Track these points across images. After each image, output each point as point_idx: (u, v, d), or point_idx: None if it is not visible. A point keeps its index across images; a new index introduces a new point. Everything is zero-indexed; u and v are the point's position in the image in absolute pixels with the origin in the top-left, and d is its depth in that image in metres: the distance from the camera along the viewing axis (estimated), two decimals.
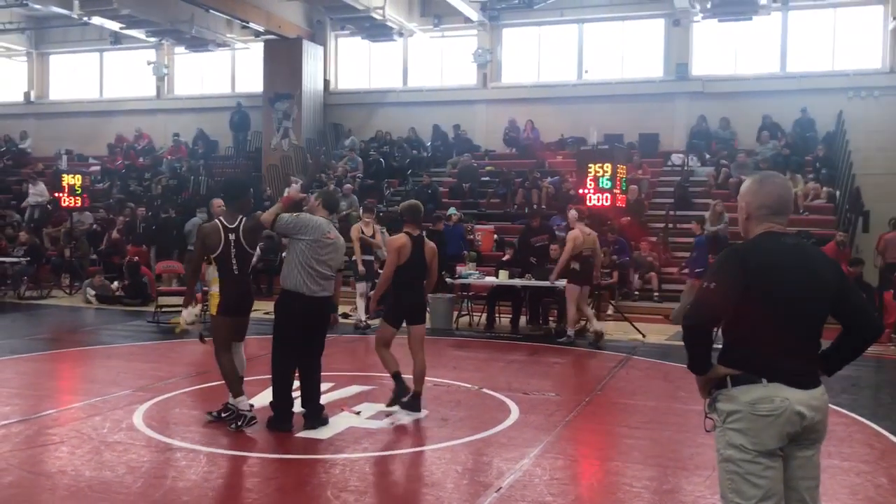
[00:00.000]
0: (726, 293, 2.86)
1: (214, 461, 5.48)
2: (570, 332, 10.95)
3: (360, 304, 11.98)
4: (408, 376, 6.86)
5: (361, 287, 11.92)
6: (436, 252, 6.91)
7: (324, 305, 6.29)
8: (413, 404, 6.75)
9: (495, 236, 15.92)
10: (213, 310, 6.31)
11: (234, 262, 6.18)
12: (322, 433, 6.11)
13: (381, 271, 11.32)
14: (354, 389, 7.66)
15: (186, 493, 4.83)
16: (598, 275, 11.45)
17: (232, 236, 6.15)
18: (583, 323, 11.55)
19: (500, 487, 4.97)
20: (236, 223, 6.20)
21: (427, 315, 7.32)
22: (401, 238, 6.73)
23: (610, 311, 13.16)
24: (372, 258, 11.89)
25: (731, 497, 2.91)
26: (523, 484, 5.05)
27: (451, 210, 16.16)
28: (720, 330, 3.02)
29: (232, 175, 19.06)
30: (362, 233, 11.68)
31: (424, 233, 7.02)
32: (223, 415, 6.32)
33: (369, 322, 11.70)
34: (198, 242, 6.34)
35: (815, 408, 2.97)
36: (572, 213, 11.22)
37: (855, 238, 14.97)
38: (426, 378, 6.94)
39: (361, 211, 12.39)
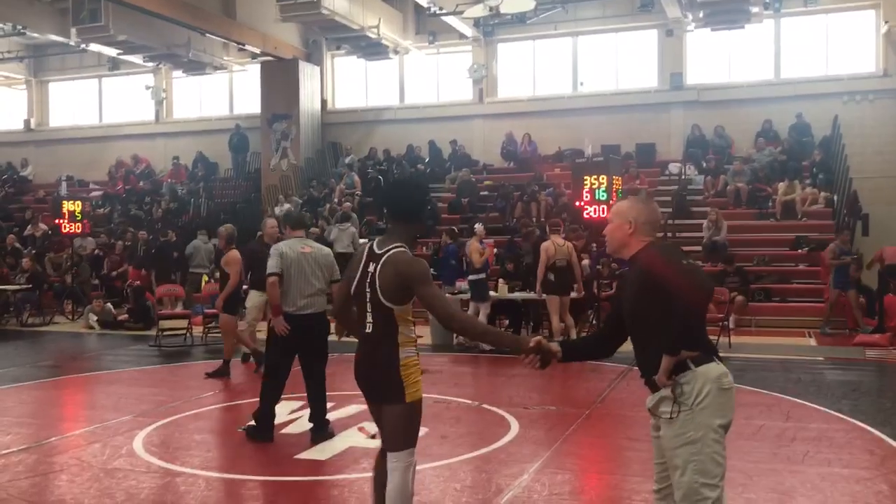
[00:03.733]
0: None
1: (213, 485, 5.49)
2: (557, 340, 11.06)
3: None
4: None
5: (487, 307, 11.58)
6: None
7: (312, 323, 6.50)
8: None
9: (495, 250, 15.93)
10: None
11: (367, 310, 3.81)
12: (322, 454, 6.12)
13: (492, 292, 11.88)
14: (353, 409, 7.67)
15: None
16: (580, 286, 11.58)
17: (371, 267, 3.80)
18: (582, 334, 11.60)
19: None
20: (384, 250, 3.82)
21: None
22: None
23: None
24: (483, 276, 11.74)
25: (696, 479, 3.07)
26: (522, 500, 5.06)
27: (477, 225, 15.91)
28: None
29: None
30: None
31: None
32: None
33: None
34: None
35: None
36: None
37: (855, 243, 14.96)
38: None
39: (479, 227, 12.47)
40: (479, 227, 12.48)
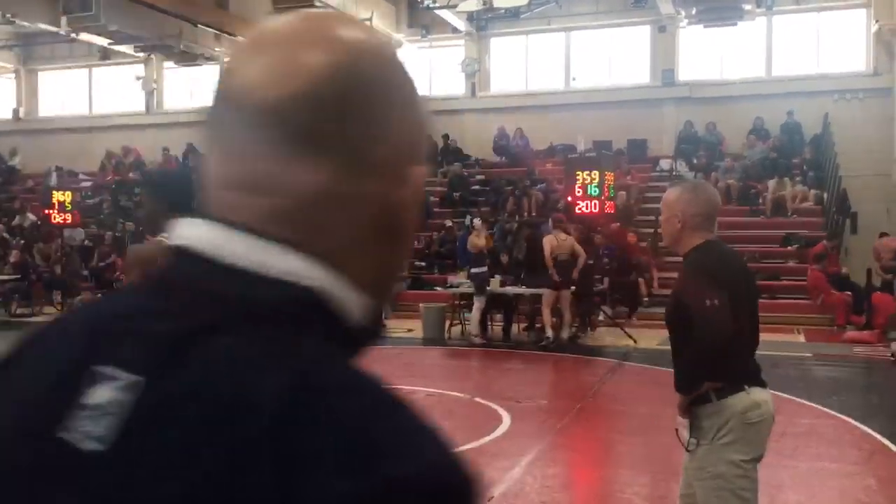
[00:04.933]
0: (728, 305, 2.78)
1: None
2: (549, 333, 11.10)
3: (475, 318, 11.63)
4: None
5: (481, 301, 11.59)
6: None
7: None
8: None
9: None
10: None
11: None
12: None
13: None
14: None
15: None
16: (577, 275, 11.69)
17: None
18: (574, 329, 11.67)
19: (492, 497, 4.99)
20: None
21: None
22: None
23: (601, 317, 13.20)
24: (485, 269, 11.74)
25: None
26: (514, 493, 5.08)
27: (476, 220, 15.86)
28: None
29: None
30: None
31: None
32: None
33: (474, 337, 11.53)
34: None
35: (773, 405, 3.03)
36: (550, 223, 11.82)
37: (844, 240, 15.07)
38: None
39: (478, 221, 12.45)
40: (477, 221, 12.55)
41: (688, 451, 2.95)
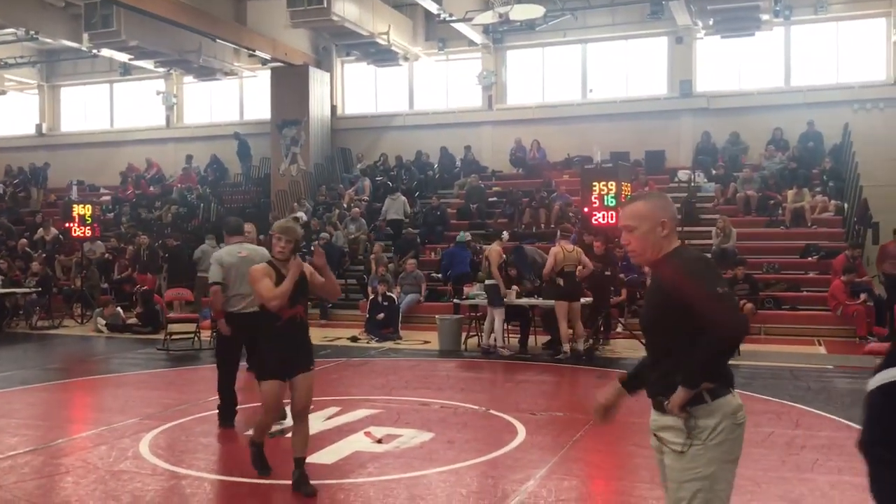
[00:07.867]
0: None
1: (219, 488, 5.49)
2: (566, 347, 11.01)
3: (499, 328, 11.59)
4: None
5: (501, 313, 11.57)
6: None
7: (254, 320, 6.51)
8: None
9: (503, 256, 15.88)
10: None
11: None
12: (327, 458, 6.11)
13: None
14: (361, 413, 7.66)
15: None
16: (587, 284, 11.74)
17: None
18: (591, 341, 11.58)
19: None
20: None
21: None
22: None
23: (619, 329, 13.11)
24: (496, 281, 11.68)
25: None
26: None
27: (462, 234, 16.03)
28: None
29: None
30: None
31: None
32: None
33: (501, 349, 11.52)
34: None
35: None
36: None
37: (865, 250, 14.87)
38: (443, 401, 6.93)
39: (505, 235, 12.62)
40: (505, 234, 12.66)
41: (680, 452, 2.90)
